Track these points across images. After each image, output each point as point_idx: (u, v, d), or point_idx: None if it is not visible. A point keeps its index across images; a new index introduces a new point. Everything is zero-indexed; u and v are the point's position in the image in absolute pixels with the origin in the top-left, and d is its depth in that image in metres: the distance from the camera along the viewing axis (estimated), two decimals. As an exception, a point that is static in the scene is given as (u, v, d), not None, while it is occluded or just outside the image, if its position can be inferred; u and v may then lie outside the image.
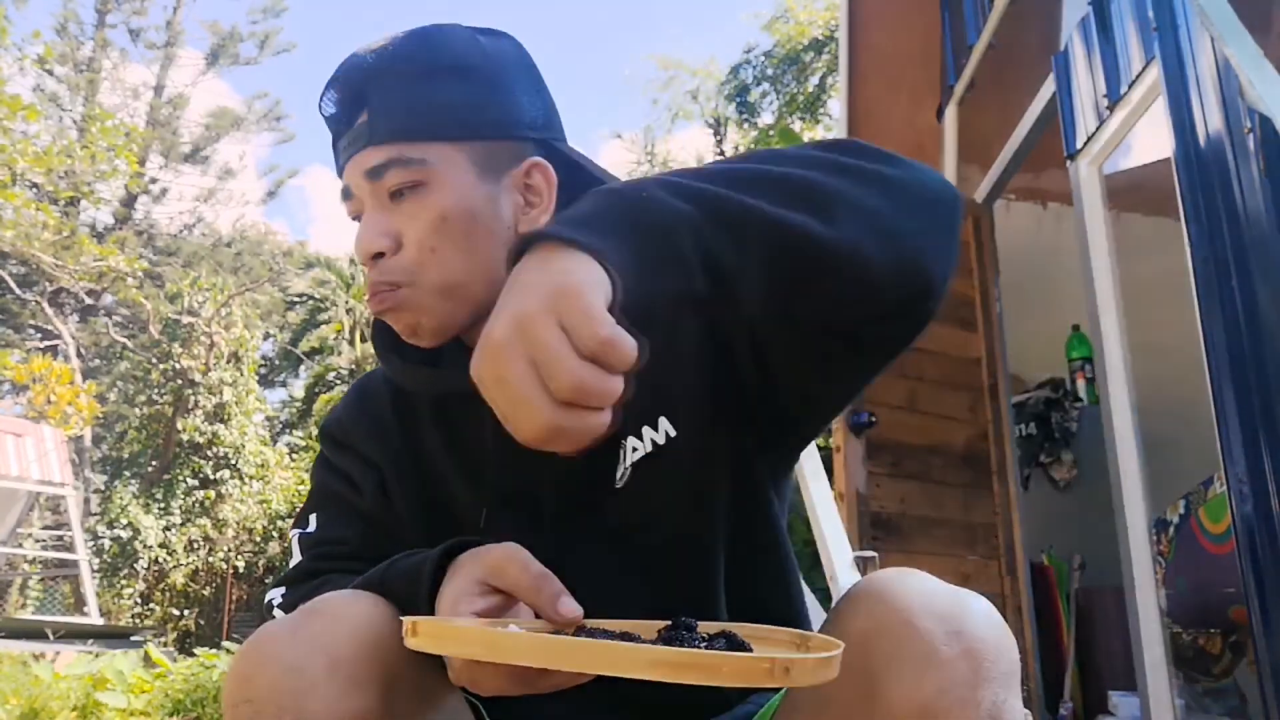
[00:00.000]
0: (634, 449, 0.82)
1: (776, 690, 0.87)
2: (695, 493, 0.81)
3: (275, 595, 0.86)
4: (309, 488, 0.96)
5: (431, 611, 0.67)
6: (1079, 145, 2.69)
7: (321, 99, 0.86)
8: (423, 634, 0.55)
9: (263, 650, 0.62)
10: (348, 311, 19.66)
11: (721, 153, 16.19)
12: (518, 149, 0.85)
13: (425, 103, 0.82)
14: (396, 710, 0.65)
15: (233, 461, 13.96)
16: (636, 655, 0.50)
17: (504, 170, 0.84)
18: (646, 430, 0.82)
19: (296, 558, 0.89)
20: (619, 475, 0.82)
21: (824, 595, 2.67)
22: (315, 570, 0.86)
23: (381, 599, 0.69)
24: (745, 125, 15.77)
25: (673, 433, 0.81)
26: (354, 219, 0.85)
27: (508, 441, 0.81)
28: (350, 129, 0.84)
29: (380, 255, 0.81)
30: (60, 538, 12.18)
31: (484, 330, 0.54)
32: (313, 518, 0.91)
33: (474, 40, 0.85)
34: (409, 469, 0.89)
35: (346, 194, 0.85)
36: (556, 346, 0.51)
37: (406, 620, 0.56)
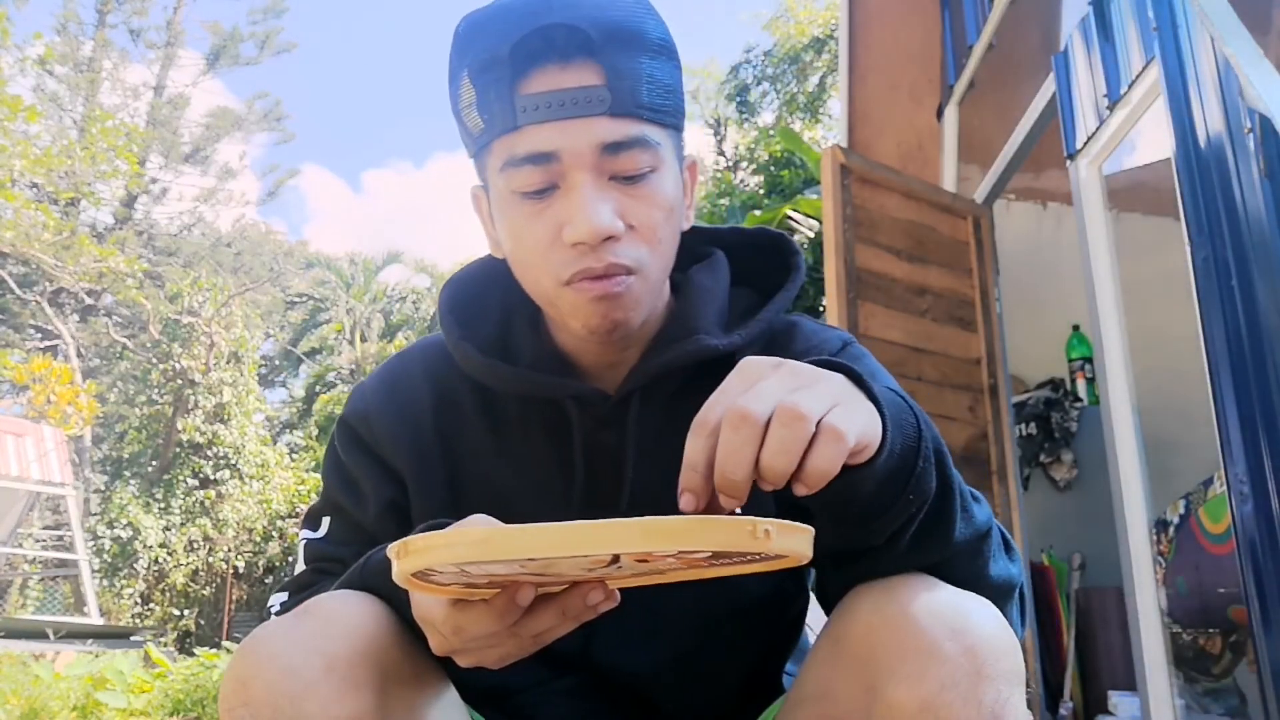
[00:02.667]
0: None
1: (775, 696, 0.87)
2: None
3: (276, 601, 0.85)
4: (321, 480, 0.91)
5: (410, 600, 0.65)
6: (1079, 145, 2.69)
7: (523, 32, 0.72)
8: (413, 550, 0.52)
9: (257, 653, 0.62)
10: (348, 311, 19.67)
11: (722, 153, 16.18)
12: (683, 143, 0.82)
13: (660, 82, 0.75)
14: (393, 711, 0.65)
15: (233, 461, 13.96)
16: (628, 529, 0.51)
17: (682, 162, 0.82)
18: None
19: (301, 564, 0.87)
20: None
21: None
22: (312, 582, 0.84)
23: (376, 598, 0.68)
24: (745, 125, 15.76)
25: (738, 513, 0.81)
26: (536, 191, 0.75)
27: (594, 462, 0.81)
28: (565, 83, 0.72)
29: (613, 239, 0.74)
30: (60, 538, 12.18)
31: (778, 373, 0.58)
32: (324, 522, 0.87)
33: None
34: (441, 473, 0.84)
35: (544, 159, 0.73)
36: (818, 402, 0.55)
37: (393, 545, 0.54)
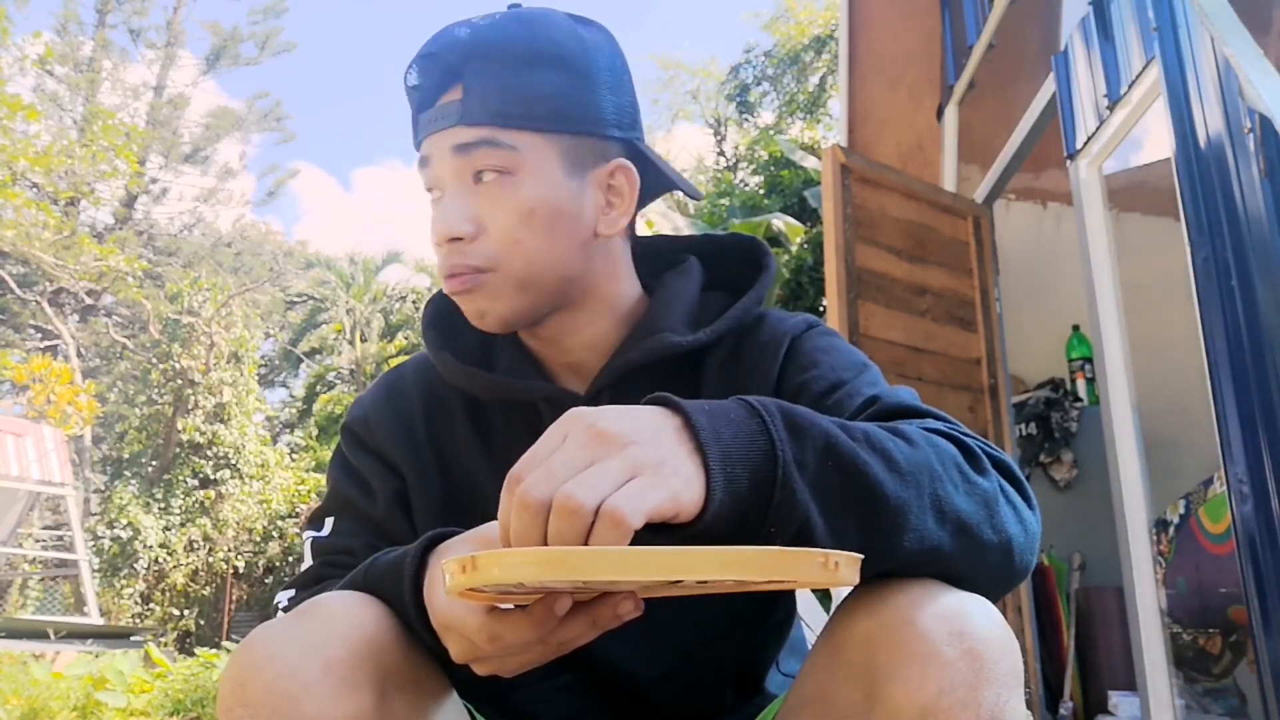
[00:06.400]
0: None
1: (774, 697, 0.87)
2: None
3: (283, 598, 0.86)
4: (326, 485, 0.95)
5: (419, 603, 0.66)
6: (1079, 145, 2.69)
7: (409, 69, 0.84)
8: (482, 566, 0.51)
9: (256, 653, 0.62)
10: (348, 312, 19.66)
11: (721, 153, 16.18)
12: (603, 147, 0.85)
13: (523, 90, 0.81)
14: (391, 711, 0.65)
15: (233, 461, 13.96)
16: (706, 557, 0.51)
17: (589, 168, 0.84)
18: None
19: (308, 561, 0.88)
20: None
21: (825, 595, 2.68)
22: (321, 576, 0.85)
23: (376, 600, 0.69)
24: (745, 125, 15.77)
25: None
26: (427, 190, 0.85)
27: None
28: (439, 102, 0.83)
29: (459, 239, 0.81)
30: (60, 538, 12.18)
31: (573, 421, 0.58)
32: (328, 522, 0.90)
33: (573, 31, 0.84)
34: (435, 472, 0.89)
35: (424, 163, 0.84)
36: (597, 488, 0.54)
37: (459, 559, 0.52)
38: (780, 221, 7.75)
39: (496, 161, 0.80)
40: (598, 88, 0.84)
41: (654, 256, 0.95)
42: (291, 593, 0.86)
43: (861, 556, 0.56)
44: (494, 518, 0.73)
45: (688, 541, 0.58)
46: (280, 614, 0.83)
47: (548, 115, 0.81)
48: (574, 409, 0.60)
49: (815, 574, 0.53)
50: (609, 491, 0.54)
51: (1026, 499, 0.71)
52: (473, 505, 0.87)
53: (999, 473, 0.69)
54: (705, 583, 0.54)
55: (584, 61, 0.83)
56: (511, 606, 0.61)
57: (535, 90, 0.81)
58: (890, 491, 0.61)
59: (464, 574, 0.52)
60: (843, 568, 0.54)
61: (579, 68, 0.83)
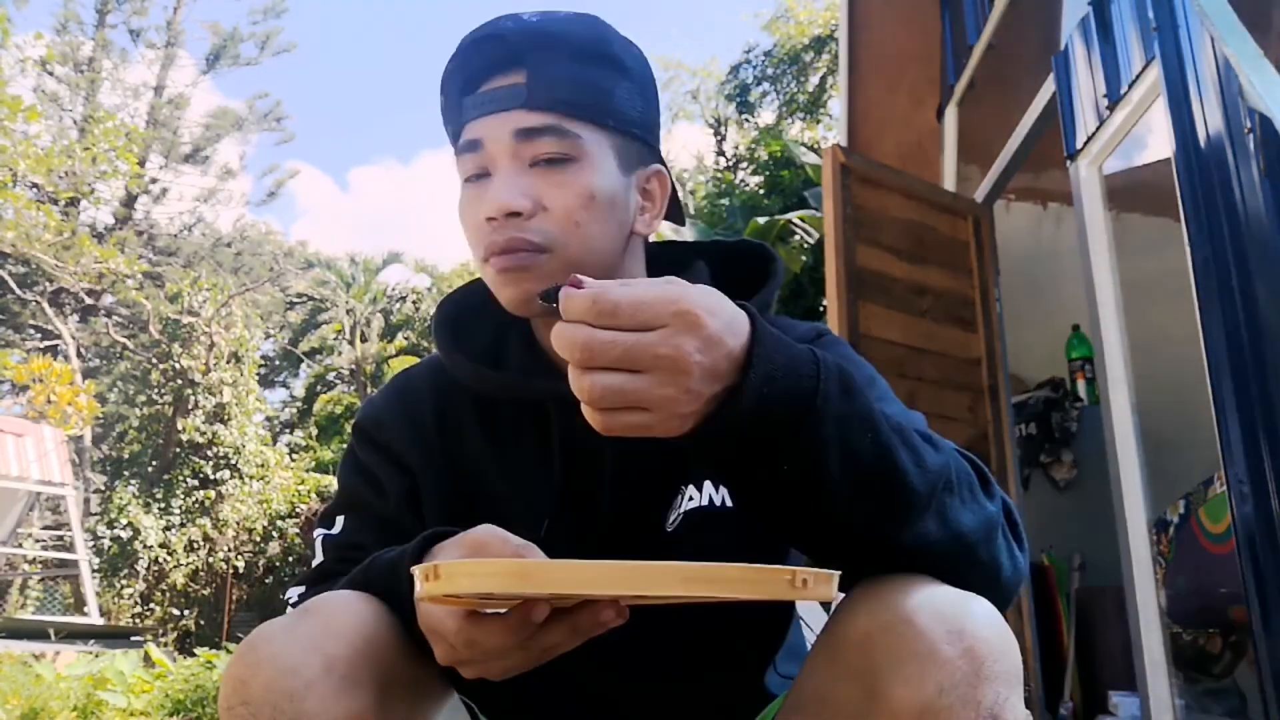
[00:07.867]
0: (690, 499, 0.86)
1: (773, 698, 0.87)
2: (737, 556, 0.80)
3: (294, 594, 0.86)
4: (337, 484, 0.96)
5: (412, 604, 0.66)
6: (1079, 145, 2.69)
7: (459, 51, 0.85)
8: (445, 575, 0.52)
9: (257, 652, 0.62)
10: (348, 312, 19.67)
11: (721, 153, 16.18)
12: (645, 152, 0.88)
13: (591, 84, 0.84)
14: (392, 710, 0.65)
15: (233, 461, 13.96)
16: (668, 572, 0.52)
17: (634, 168, 0.87)
18: (707, 486, 0.85)
19: (319, 557, 0.89)
20: (672, 519, 0.85)
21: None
22: (331, 572, 0.86)
23: (376, 599, 0.69)
24: (745, 125, 15.77)
25: (729, 503, 0.85)
26: (472, 176, 0.85)
27: (571, 457, 0.85)
28: (493, 86, 0.83)
29: (516, 215, 0.81)
30: (60, 538, 12.18)
31: (661, 289, 0.60)
32: (339, 520, 0.90)
33: (627, 40, 0.89)
34: (445, 470, 0.89)
35: (473, 147, 0.84)
36: (615, 398, 0.59)
37: (422, 567, 0.53)
38: (797, 219, 7.72)
39: (560, 148, 0.81)
40: (647, 95, 0.88)
41: (663, 261, 0.96)
42: (302, 588, 0.86)
43: (838, 574, 0.57)
44: (500, 517, 0.73)
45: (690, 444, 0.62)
46: (289, 609, 0.83)
47: (609, 112, 0.84)
48: (695, 291, 0.62)
49: (783, 590, 0.54)
50: (623, 406, 0.59)
51: (1020, 542, 0.74)
52: (481, 504, 0.87)
53: (1002, 510, 0.72)
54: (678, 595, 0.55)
55: (639, 69, 0.88)
56: (504, 611, 0.61)
57: (600, 86, 0.84)
58: (911, 481, 0.64)
59: (429, 582, 0.53)
60: (813, 585, 0.54)
61: (635, 73, 0.87)
